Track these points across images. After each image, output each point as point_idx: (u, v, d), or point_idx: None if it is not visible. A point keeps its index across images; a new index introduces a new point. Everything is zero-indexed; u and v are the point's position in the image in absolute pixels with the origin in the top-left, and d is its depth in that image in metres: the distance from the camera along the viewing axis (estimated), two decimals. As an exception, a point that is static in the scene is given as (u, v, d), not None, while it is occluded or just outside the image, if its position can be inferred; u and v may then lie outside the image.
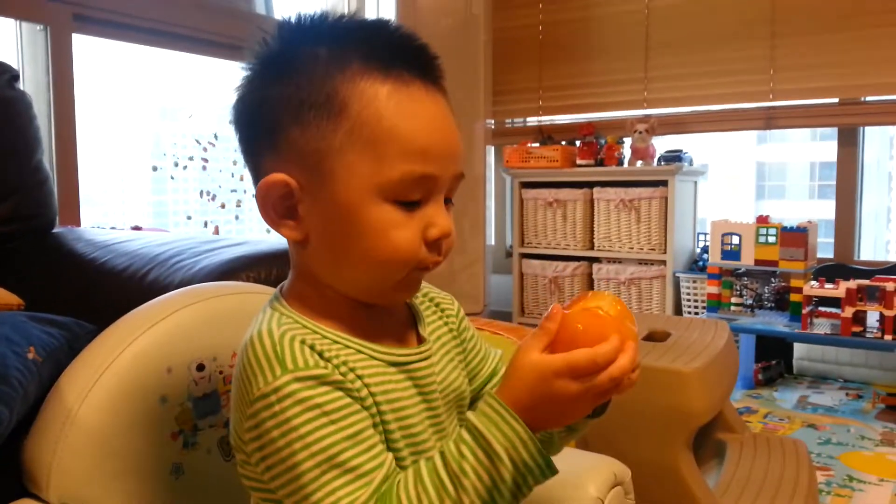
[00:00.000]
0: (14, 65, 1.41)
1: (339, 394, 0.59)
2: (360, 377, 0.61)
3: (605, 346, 0.57)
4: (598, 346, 0.57)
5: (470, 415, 0.59)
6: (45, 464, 0.74)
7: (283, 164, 0.62)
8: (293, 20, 0.64)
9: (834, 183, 3.28)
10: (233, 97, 0.66)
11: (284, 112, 0.62)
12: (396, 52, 0.62)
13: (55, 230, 1.48)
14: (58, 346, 0.92)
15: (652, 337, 1.64)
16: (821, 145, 13.19)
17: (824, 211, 3.24)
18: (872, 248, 3.28)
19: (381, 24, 0.65)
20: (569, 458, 0.98)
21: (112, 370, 0.78)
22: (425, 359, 0.69)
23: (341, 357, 0.61)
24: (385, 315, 0.69)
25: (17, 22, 2.06)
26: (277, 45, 0.64)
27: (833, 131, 3.30)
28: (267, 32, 0.65)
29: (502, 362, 0.81)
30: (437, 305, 0.76)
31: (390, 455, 0.60)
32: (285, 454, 0.57)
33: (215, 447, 0.86)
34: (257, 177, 0.65)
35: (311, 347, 0.60)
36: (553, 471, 0.58)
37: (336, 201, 0.61)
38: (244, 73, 0.65)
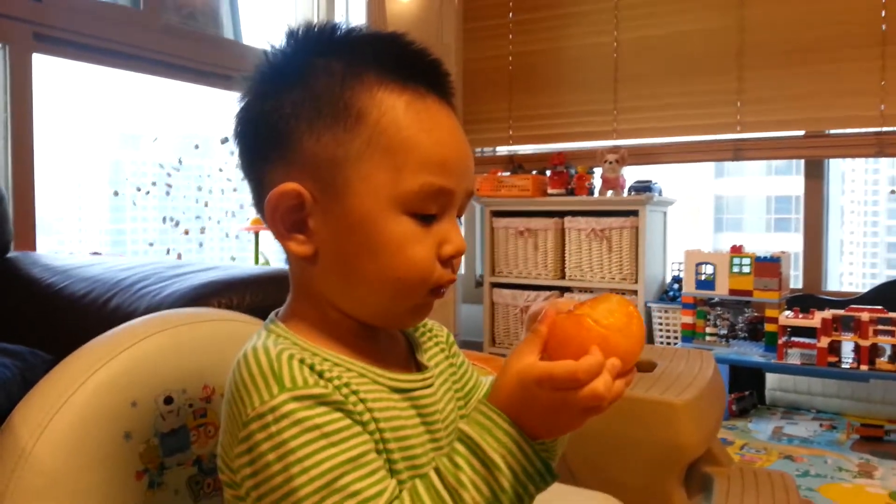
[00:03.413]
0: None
1: (340, 415, 0.54)
2: (362, 400, 0.57)
3: (586, 361, 0.53)
4: (581, 359, 0.53)
5: (462, 424, 0.56)
6: (-6, 507, 0.67)
7: (295, 175, 0.59)
8: (302, 30, 0.62)
9: (789, 216, 3.33)
10: (237, 106, 0.63)
11: (298, 119, 0.59)
12: (412, 66, 0.61)
13: (9, 255, 1.39)
14: (10, 377, 0.84)
15: (638, 367, 1.59)
16: (776, 179, 13.57)
17: (780, 243, 3.27)
18: (830, 279, 3.34)
19: (394, 37, 0.63)
20: (565, 496, 0.93)
21: (71, 403, 0.72)
22: (428, 386, 0.65)
23: (343, 379, 0.57)
24: (387, 340, 0.65)
25: (-25, 39, 1.98)
26: (287, 53, 0.62)
27: (788, 166, 3.35)
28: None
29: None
30: (430, 331, 0.73)
31: (393, 481, 0.55)
32: (280, 480, 0.52)
33: (184, 488, 0.79)
34: (262, 191, 0.61)
35: (311, 367, 0.56)
36: (554, 476, 0.56)
37: (351, 213, 0.58)
38: (249, 82, 0.62)
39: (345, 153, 0.58)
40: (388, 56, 0.61)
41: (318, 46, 0.61)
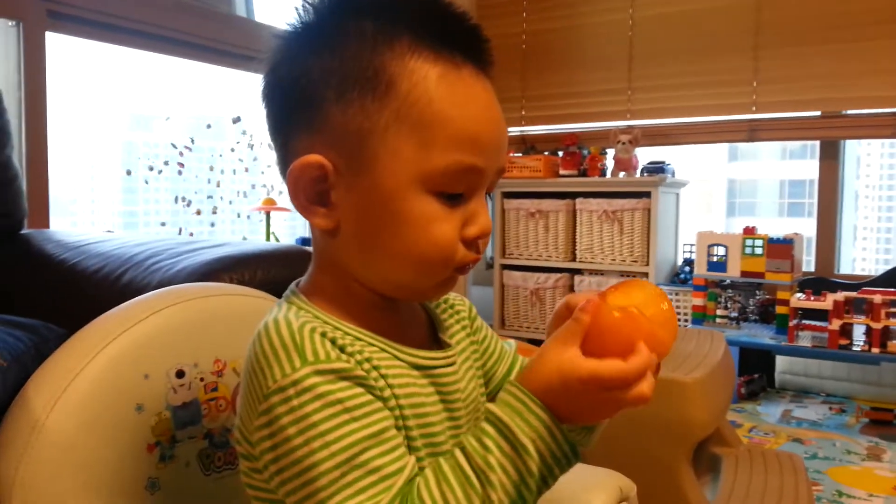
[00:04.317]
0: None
1: (361, 390, 0.54)
2: (383, 376, 0.57)
3: (635, 363, 0.52)
4: (630, 360, 0.52)
5: (491, 405, 0.55)
6: (8, 477, 0.68)
7: (319, 146, 0.57)
8: None
9: (803, 201, 3.29)
10: (265, 67, 0.61)
11: (325, 86, 0.57)
12: (448, 32, 0.58)
13: (23, 231, 1.40)
14: (24, 349, 0.85)
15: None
16: (790, 163, 13.44)
17: (793, 228, 3.24)
18: (843, 264, 3.32)
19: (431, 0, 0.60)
20: (573, 473, 0.93)
21: (84, 376, 0.72)
22: (450, 365, 0.64)
23: (365, 354, 0.56)
24: (408, 315, 0.65)
25: (-11, 17, 1.98)
26: (320, 13, 0.59)
27: (802, 149, 3.30)
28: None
29: (517, 359, 0.76)
30: (451, 307, 0.71)
31: (413, 458, 0.55)
32: (301, 454, 0.52)
33: (195, 461, 0.80)
34: (286, 157, 0.60)
35: (333, 342, 0.55)
36: (578, 457, 0.55)
37: (375, 188, 0.57)
38: (279, 42, 0.60)
39: (371, 125, 0.56)
40: (424, 20, 0.57)
41: (351, 5, 0.58)
